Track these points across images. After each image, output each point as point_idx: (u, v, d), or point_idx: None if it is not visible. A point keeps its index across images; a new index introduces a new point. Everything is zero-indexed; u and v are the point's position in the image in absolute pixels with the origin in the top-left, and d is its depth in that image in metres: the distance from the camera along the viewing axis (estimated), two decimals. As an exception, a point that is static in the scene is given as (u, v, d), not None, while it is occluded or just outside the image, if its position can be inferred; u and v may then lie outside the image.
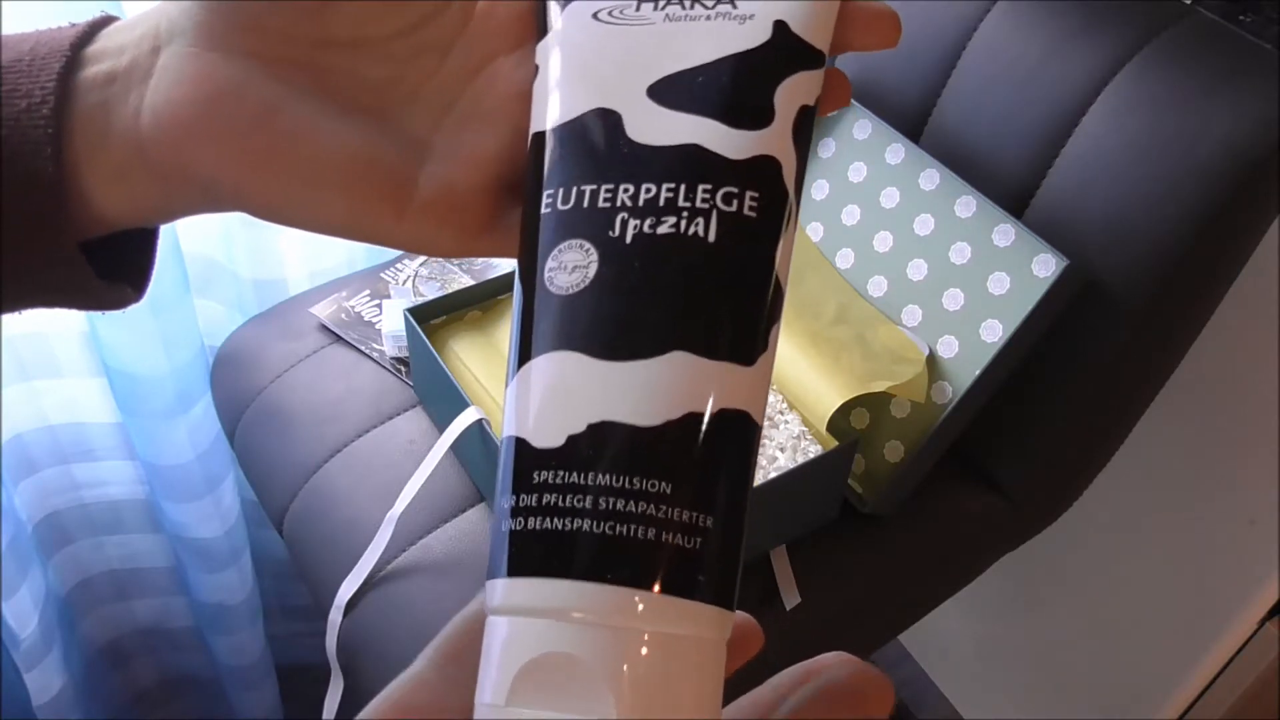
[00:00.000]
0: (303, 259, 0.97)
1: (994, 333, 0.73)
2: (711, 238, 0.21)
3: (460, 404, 0.73)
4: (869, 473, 0.77)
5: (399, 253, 0.97)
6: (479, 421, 0.72)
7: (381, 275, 0.94)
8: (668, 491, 0.20)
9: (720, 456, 0.21)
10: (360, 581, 0.73)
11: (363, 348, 0.88)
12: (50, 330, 0.90)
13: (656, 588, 0.20)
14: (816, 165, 0.84)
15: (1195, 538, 0.91)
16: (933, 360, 0.75)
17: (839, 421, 0.73)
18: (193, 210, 0.25)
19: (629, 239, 0.22)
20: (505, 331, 0.83)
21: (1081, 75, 0.73)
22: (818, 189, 0.84)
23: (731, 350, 0.21)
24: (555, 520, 0.20)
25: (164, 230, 0.49)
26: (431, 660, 0.22)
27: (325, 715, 0.76)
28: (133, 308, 0.27)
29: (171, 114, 0.24)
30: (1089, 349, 0.74)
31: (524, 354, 0.22)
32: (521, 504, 0.21)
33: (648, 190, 0.22)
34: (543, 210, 0.23)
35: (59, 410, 0.95)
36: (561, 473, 0.20)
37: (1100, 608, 1.02)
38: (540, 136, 0.24)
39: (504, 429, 0.22)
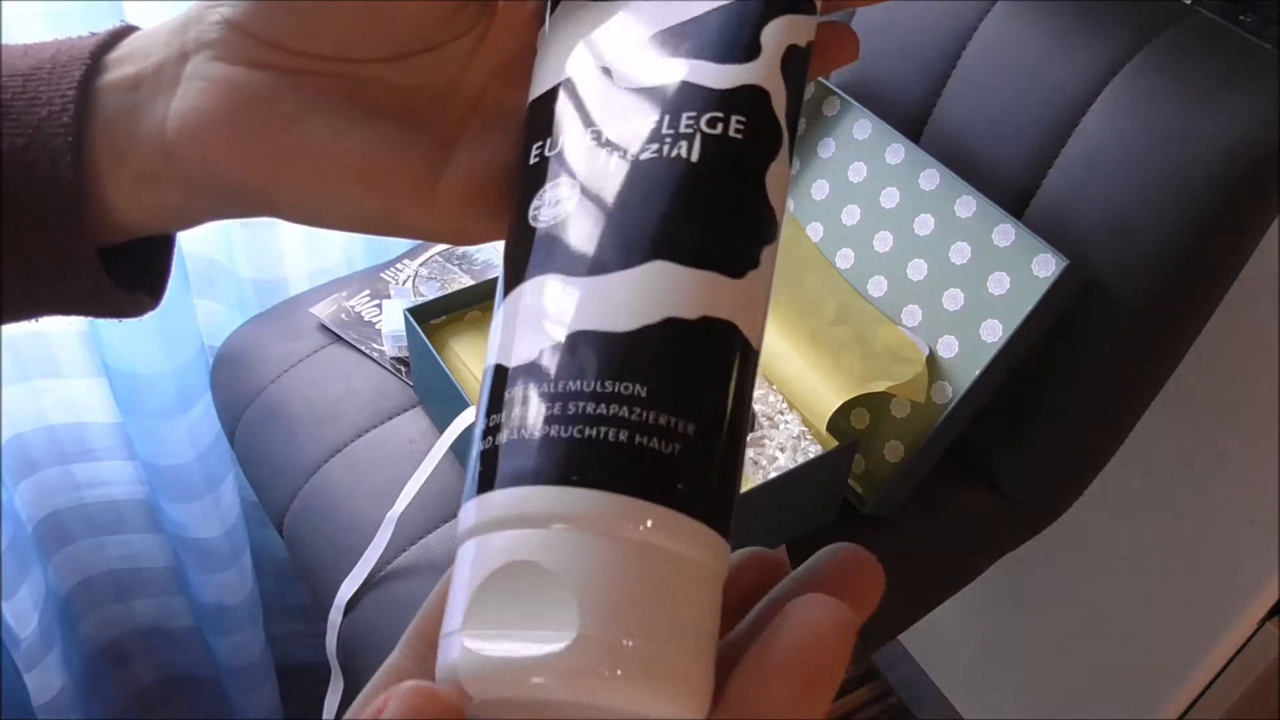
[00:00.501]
0: (303, 259, 0.97)
1: (994, 333, 0.73)
2: (694, 158, 0.21)
3: (460, 404, 0.73)
4: (869, 473, 0.77)
5: (399, 253, 0.97)
6: (479, 421, 0.72)
7: (381, 275, 0.94)
8: (642, 394, 0.19)
9: (704, 363, 0.20)
10: (360, 581, 0.73)
11: (363, 348, 0.88)
12: (50, 330, 0.90)
13: (629, 492, 0.18)
14: (816, 165, 0.84)
15: (1195, 538, 0.91)
16: (933, 360, 0.75)
17: (839, 421, 0.73)
18: (217, 215, 0.26)
19: (612, 167, 0.21)
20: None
21: (1081, 75, 0.73)
22: (818, 189, 0.84)
23: (716, 260, 0.20)
24: (523, 431, 0.19)
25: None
26: (411, 647, 0.22)
27: (325, 715, 0.76)
28: (134, 308, 0.28)
29: (199, 120, 0.24)
30: (1089, 349, 0.74)
31: (506, 289, 0.22)
32: (492, 423, 0.20)
33: (633, 125, 0.22)
34: (531, 161, 0.23)
35: (59, 410, 0.95)
36: (532, 384, 0.20)
37: (1100, 608, 1.02)
38: (534, 103, 0.24)
39: (485, 363, 0.21)
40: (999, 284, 0.73)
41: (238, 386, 0.89)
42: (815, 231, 0.83)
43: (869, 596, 0.20)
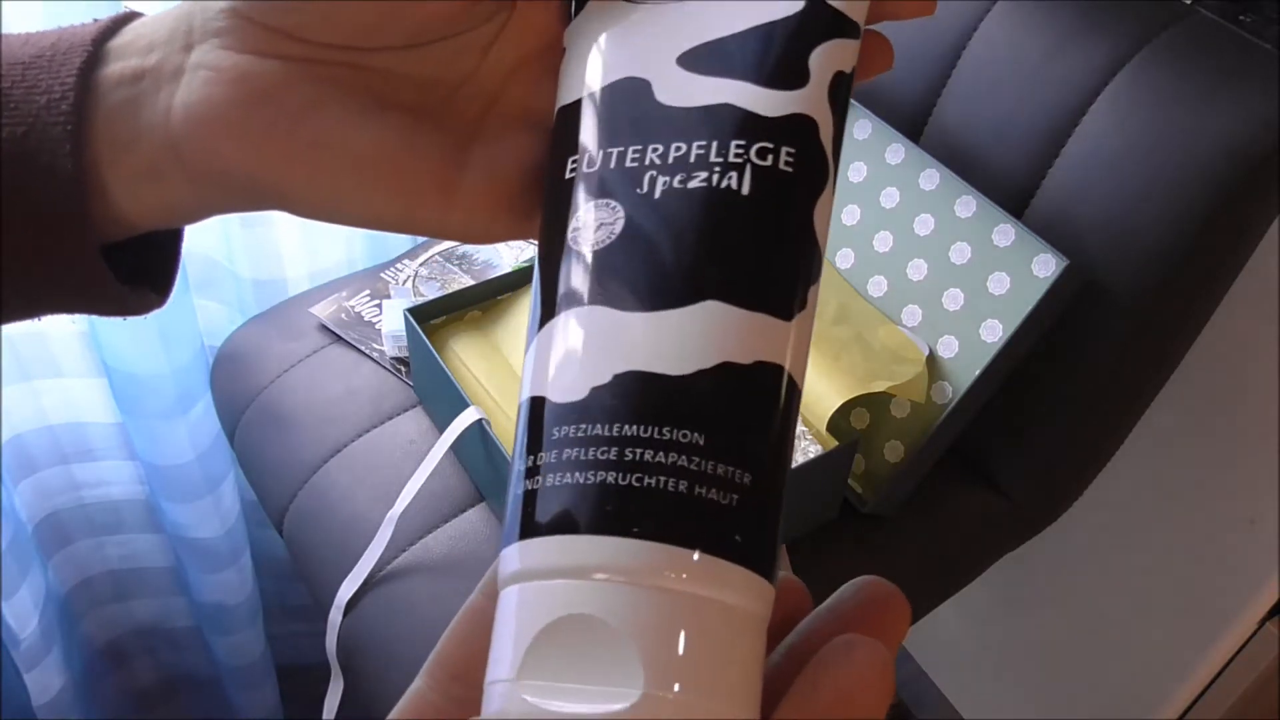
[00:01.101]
0: (303, 259, 0.97)
1: (994, 333, 0.73)
2: (745, 191, 0.20)
3: (460, 404, 0.73)
4: (869, 473, 0.77)
5: (399, 253, 0.97)
6: (479, 421, 0.72)
7: (381, 275, 0.94)
8: (700, 443, 0.18)
9: (760, 410, 0.19)
10: (360, 581, 0.73)
11: (363, 348, 0.88)
12: (50, 330, 0.90)
13: (689, 544, 0.18)
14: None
15: (1195, 538, 0.91)
16: (933, 360, 0.75)
17: (839, 421, 0.73)
18: (226, 209, 0.25)
19: (658, 194, 0.21)
20: (505, 331, 0.83)
21: (1081, 75, 0.73)
22: (818, 189, 0.84)
23: (768, 302, 0.20)
24: (575, 475, 0.19)
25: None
26: (433, 676, 0.21)
27: (325, 715, 0.76)
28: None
29: (207, 112, 0.23)
30: (1089, 349, 0.74)
31: (545, 315, 0.21)
32: (539, 463, 0.19)
33: (678, 149, 0.21)
34: (566, 175, 0.22)
35: (59, 410, 0.95)
36: (584, 425, 0.19)
37: (1100, 608, 1.02)
38: (565, 109, 0.23)
39: (521, 394, 0.21)
40: (999, 284, 0.73)
41: (238, 386, 0.89)
42: (815, 231, 0.83)
43: (897, 630, 0.20)
